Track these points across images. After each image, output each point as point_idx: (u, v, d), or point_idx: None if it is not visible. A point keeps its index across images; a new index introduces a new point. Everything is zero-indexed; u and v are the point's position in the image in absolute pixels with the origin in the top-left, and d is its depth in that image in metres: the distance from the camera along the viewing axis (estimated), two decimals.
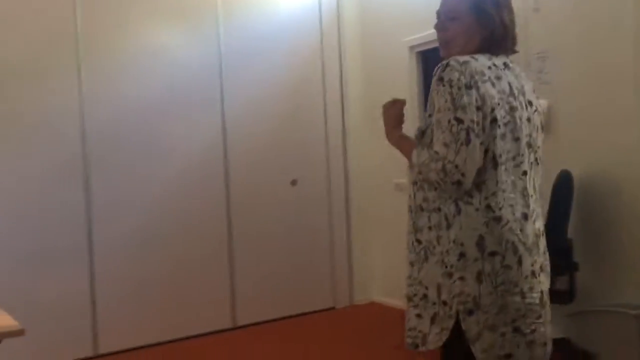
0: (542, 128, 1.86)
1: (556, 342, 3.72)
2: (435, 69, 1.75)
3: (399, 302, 5.05)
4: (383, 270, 5.05)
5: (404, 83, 4.88)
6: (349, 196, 5.17)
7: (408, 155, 1.82)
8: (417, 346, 1.79)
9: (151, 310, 4.33)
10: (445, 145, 1.66)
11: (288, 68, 4.84)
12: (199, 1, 4.58)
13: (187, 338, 4.43)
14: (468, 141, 1.64)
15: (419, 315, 1.80)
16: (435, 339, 1.74)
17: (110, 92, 4.23)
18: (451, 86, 1.68)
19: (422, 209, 1.82)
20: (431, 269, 1.77)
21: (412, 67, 4.84)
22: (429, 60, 4.80)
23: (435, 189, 1.75)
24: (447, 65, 1.72)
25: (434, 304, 1.74)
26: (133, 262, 4.28)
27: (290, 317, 4.52)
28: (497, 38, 1.81)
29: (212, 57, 4.62)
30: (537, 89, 3.88)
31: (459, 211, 1.71)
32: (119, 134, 4.25)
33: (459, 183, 1.65)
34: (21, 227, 3.91)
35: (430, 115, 1.79)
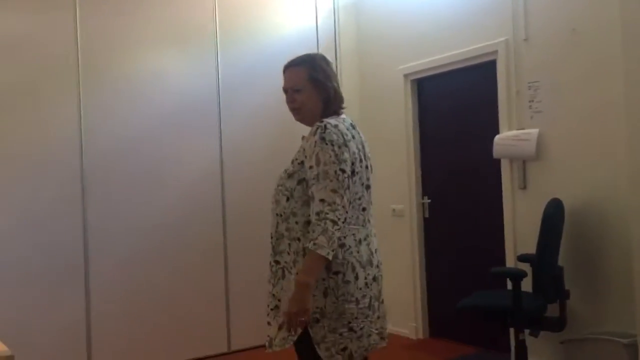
0: (371, 171, 2.38)
1: None
2: (314, 129, 2.17)
3: (395, 328, 5.05)
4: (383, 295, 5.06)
5: (400, 110, 4.96)
6: None
7: (315, 258, 2.05)
8: (266, 348, 2.23)
9: (147, 334, 4.33)
10: (334, 191, 2.07)
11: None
12: (197, 29, 4.67)
13: None
14: (347, 187, 2.11)
15: (269, 323, 2.24)
16: (281, 342, 2.17)
17: (109, 118, 4.27)
18: (333, 145, 2.12)
19: (283, 236, 2.23)
20: (286, 286, 2.18)
21: (407, 95, 4.92)
22: (424, 88, 4.89)
23: (297, 222, 2.17)
24: (326, 128, 2.15)
25: (284, 313, 2.12)
26: (129, 286, 4.29)
27: None
28: (332, 100, 2.30)
29: (210, 84, 4.69)
30: (529, 118, 3.97)
31: None
32: (117, 160, 4.29)
33: (345, 221, 2.09)
34: (17, 251, 3.92)
35: (300, 163, 2.20)
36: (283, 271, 2.21)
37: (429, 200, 4.86)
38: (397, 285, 4.99)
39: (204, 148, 4.65)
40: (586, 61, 3.64)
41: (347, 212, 2.08)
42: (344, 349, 2.16)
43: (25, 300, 3.92)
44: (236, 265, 4.70)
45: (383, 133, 5.08)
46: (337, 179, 2.08)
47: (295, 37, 5.08)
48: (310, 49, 5.12)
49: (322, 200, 2.07)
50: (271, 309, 2.25)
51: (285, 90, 2.33)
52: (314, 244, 2.03)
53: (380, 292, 2.29)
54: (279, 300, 2.21)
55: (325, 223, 2.03)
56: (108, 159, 4.26)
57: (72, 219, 4.12)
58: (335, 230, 2.04)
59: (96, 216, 4.19)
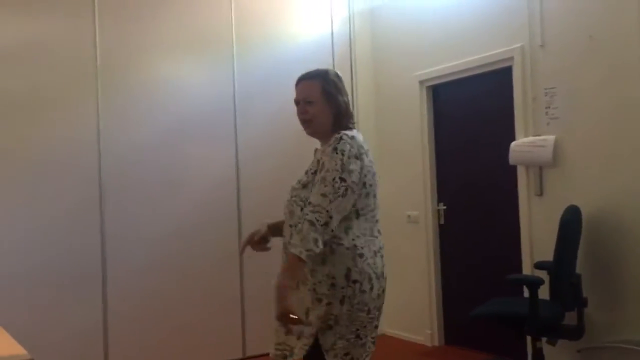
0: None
1: None
2: (332, 140, 2.22)
3: (410, 335, 5.05)
4: (394, 302, 5.04)
5: (415, 116, 4.96)
6: None
7: (292, 261, 2.07)
8: (285, 357, 2.23)
9: (163, 339, 4.35)
10: (324, 195, 2.11)
11: None
12: (214, 36, 4.70)
13: None
14: (345, 195, 2.13)
15: (286, 334, 2.22)
16: (300, 352, 2.19)
17: (126, 124, 4.32)
18: (343, 154, 2.16)
19: None
20: (301, 295, 2.18)
21: (422, 101, 4.92)
22: (439, 94, 4.88)
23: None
24: (341, 139, 2.20)
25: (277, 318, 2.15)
26: (145, 291, 4.32)
27: None
28: (343, 114, 2.35)
29: (226, 91, 4.72)
30: (545, 124, 3.95)
31: (332, 251, 2.16)
32: (134, 166, 4.33)
33: (326, 224, 2.08)
34: (36, 257, 3.96)
35: (314, 173, 2.26)
36: (297, 283, 2.19)
37: (445, 207, 4.84)
38: (412, 291, 4.97)
39: (220, 155, 4.68)
40: (603, 67, 3.62)
41: (331, 218, 2.09)
42: (347, 354, 2.22)
43: (44, 304, 3.96)
44: (251, 272, 4.71)
45: (398, 139, 5.08)
46: (333, 186, 2.12)
47: (310, 44, 5.10)
48: (326, 57, 5.16)
49: (309, 203, 2.12)
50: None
51: (297, 102, 2.37)
52: (289, 243, 2.09)
53: (383, 303, 2.34)
54: (293, 312, 2.22)
55: (303, 223, 2.07)
56: (125, 165, 4.30)
57: (89, 224, 4.16)
58: (312, 231, 2.05)
59: (113, 222, 4.23)
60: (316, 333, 2.17)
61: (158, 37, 4.47)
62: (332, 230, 2.12)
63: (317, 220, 2.07)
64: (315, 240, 2.06)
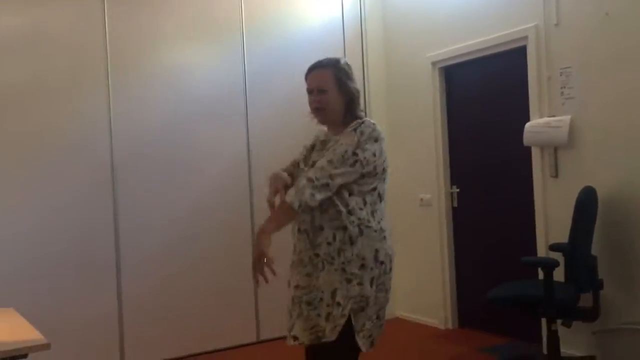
0: None
1: None
2: (354, 124, 2.30)
3: (424, 318, 5.05)
4: (408, 285, 5.05)
5: (427, 98, 4.91)
6: None
7: (284, 208, 2.22)
8: (319, 339, 2.22)
9: (177, 324, 4.38)
10: (329, 161, 2.19)
11: None
12: (223, 20, 4.67)
13: (212, 352, 4.48)
14: (353, 166, 2.20)
15: (318, 315, 2.23)
16: (330, 333, 2.20)
17: (137, 110, 4.32)
18: (362, 134, 2.24)
19: (322, 228, 2.25)
20: (327, 278, 2.23)
21: (434, 82, 4.86)
22: (452, 76, 4.83)
23: (338, 211, 2.21)
24: (363, 122, 2.29)
25: (328, 305, 2.21)
26: (160, 276, 4.34)
27: None
28: (355, 101, 2.38)
29: (236, 75, 4.70)
30: (560, 104, 3.89)
31: (361, 232, 2.22)
32: (146, 151, 4.34)
33: (326, 185, 2.15)
34: (50, 243, 3.99)
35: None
36: (323, 264, 2.25)
37: (458, 190, 4.81)
38: (426, 275, 4.96)
39: (232, 138, 4.67)
40: (620, 46, 3.55)
41: (332, 180, 2.16)
42: (370, 335, 2.28)
43: (59, 290, 4.00)
44: None
45: (411, 122, 5.04)
46: (342, 156, 2.19)
47: (320, 26, 5.06)
48: (336, 39, 5.11)
49: (312, 165, 2.24)
50: (318, 302, 2.24)
51: (310, 90, 2.38)
52: (287, 194, 2.20)
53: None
54: (322, 292, 2.24)
55: (301, 179, 2.19)
56: (137, 151, 4.31)
57: (103, 210, 4.18)
58: (309, 187, 2.14)
59: (126, 207, 4.25)
60: (348, 315, 2.19)
61: (168, 22, 4.45)
62: (331, 193, 2.18)
63: (317, 179, 2.16)
64: (312, 195, 2.14)
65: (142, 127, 4.33)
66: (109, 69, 4.22)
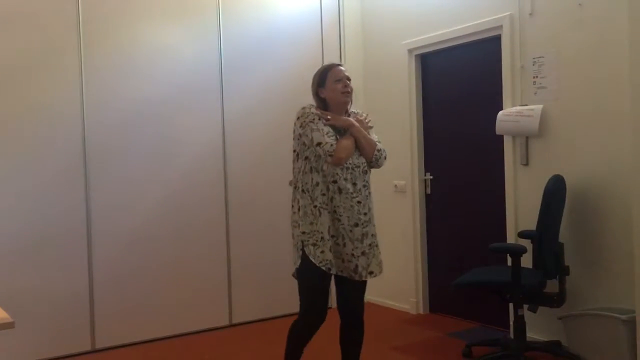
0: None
1: (547, 345, 3.78)
2: (360, 111, 3.15)
3: (396, 303, 5.11)
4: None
5: (404, 85, 4.93)
6: None
7: (370, 140, 3.06)
8: (375, 275, 3.03)
9: (149, 307, 4.38)
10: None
11: (288, 70, 4.88)
12: (199, 3, 4.62)
13: (184, 335, 4.48)
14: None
15: (380, 254, 3.06)
16: (377, 268, 3.03)
17: (110, 92, 4.26)
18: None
19: (368, 196, 3.07)
20: (374, 229, 3.07)
21: (411, 70, 4.89)
22: (428, 63, 4.85)
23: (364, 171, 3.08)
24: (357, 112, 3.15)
25: (378, 247, 3.05)
26: (132, 259, 4.32)
27: (286, 316, 4.56)
28: None
29: (212, 58, 4.66)
30: (532, 94, 3.95)
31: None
32: (119, 135, 4.29)
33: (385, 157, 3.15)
34: (21, 222, 3.95)
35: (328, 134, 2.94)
36: (370, 220, 3.01)
37: (431, 177, 4.86)
38: (398, 260, 5.01)
39: (207, 124, 4.64)
40: (592, 37, 3.61)
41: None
42: None
43: (28, 269, 3.97)
44: (238, 240, 4.72)
45: (386, 109, 5.06)
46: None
47: (298, 12, 5.03)
48: (314, 25, 5.11)
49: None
50: (376, 245, 3.02)
51: (340, 79, 2.98)
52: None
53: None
54: (377, 240, 3.04)
55: (378, 144, 3.10)
56: (110, 134, 4.26)
57: (74, 191, 4.13)
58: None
59: (99, 188, 4.21)
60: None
61: (142, 3, 4.38)
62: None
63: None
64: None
65: (115, 110, 4.28)
66: (81, 52, 4.15)
